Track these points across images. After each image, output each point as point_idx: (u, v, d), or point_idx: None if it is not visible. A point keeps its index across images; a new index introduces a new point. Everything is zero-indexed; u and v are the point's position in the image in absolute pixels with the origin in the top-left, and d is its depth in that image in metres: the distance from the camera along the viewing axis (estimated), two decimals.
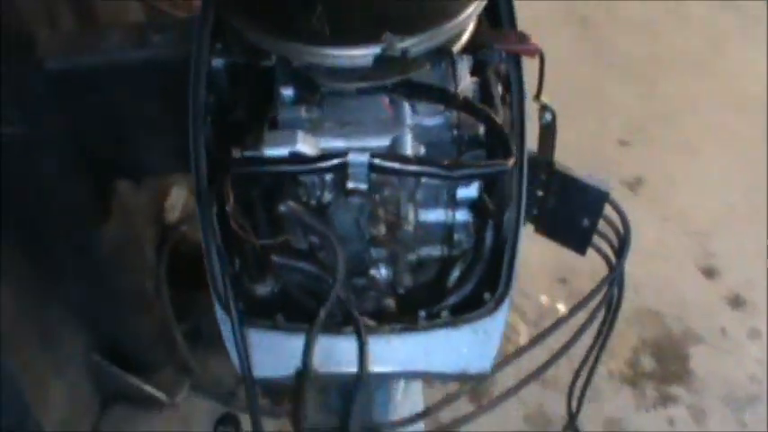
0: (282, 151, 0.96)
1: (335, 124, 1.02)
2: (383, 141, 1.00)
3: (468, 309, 1.07)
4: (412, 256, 1.12)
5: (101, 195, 1.55)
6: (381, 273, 1.07)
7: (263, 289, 1.06)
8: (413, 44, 0.97)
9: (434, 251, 1.13)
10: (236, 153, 0.96)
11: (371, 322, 1.07)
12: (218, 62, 1.09)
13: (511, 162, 0.97)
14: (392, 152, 0.99)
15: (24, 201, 1.46)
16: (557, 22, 3.11)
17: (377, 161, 0.95)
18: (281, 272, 1.04)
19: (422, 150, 1.01)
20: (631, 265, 1.30)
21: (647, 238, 2.31)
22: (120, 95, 1.35)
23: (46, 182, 1.47)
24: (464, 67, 1.06)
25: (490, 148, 1.02)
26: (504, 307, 1.07)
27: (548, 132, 1.21)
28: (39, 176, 1.45)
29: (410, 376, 1.24)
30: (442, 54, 1.03)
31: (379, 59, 0.96)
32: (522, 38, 1.10)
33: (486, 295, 1.07)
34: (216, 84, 1.10)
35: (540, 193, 1.25)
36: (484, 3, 1.04)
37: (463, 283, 1.09)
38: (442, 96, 1.01)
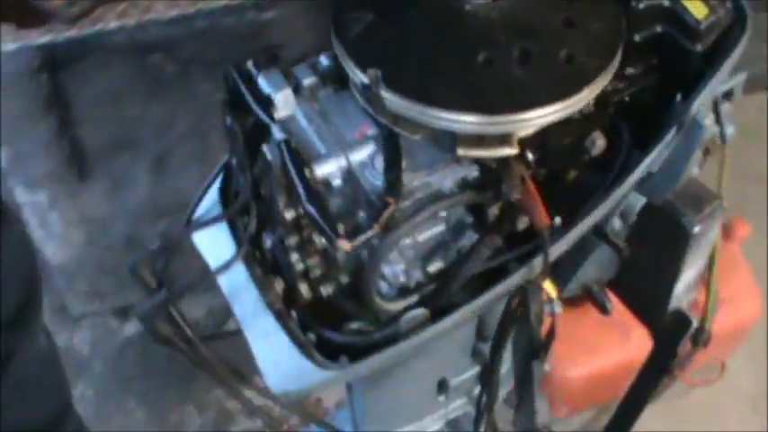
0: (266, 89, 1.03)
1: (319, 110, 1.05)
2: (321, 148, 1.01)
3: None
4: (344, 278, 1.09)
5: None
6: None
7: (268, 239, 1.11)
8: (391, 99, 0.98)
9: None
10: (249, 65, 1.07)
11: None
12: None
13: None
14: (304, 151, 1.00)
15: None
16: None
17: (283, 144, 0.98)
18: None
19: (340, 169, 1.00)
20: None
21: None
22: None
23: None
24: (459, 170, 1.01)
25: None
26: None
27: None
28: None
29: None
30: (442, 140, 0.98)
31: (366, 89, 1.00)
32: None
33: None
34: None
35: None
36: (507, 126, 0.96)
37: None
38: (388, 151, 0.98)
